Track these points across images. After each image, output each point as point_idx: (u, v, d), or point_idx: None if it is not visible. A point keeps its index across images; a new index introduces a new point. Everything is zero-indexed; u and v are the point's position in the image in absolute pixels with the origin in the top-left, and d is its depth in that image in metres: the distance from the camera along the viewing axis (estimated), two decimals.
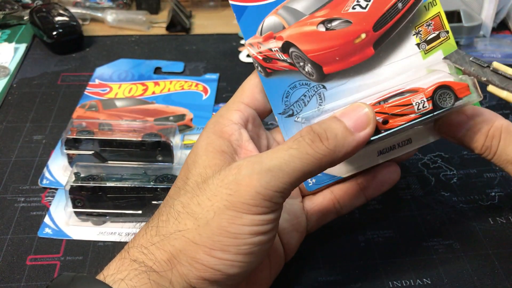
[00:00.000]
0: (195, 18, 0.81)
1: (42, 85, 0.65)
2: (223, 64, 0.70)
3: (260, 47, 0.38)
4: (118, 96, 0.63)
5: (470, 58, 0.38)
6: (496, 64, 0.37)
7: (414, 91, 0.36)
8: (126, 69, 0.68)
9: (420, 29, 0.38)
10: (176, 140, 0.53)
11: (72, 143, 0.50)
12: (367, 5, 0.38)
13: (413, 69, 0.38)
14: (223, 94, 0.64)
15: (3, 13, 0.76)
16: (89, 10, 0.79)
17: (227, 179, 0.31)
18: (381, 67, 0.38)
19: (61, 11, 0.73)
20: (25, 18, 0.77)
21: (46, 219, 0.47)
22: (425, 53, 0.39)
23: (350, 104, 0.34)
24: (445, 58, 0.38)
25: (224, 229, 0.30)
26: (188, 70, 0.69)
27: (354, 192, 0.41)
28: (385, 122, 0.35)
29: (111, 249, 0.44)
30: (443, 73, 0.37)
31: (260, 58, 0.38)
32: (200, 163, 0.34)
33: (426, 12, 0.38)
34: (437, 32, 0.38)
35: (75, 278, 0.30)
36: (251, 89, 0.38)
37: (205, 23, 0.80)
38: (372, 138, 0.34)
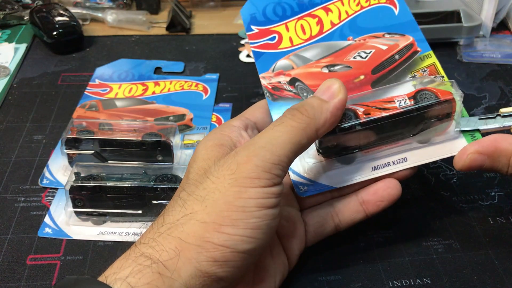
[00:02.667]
0: (195, 18, 0.81)
1: (42, 85, 0.65)
2: (223, 64, 0.70)
3: (271, 80, 0.45)
4: (118, 96, 0.63)
5: (478, 118, 0.40)
6: (503, 110, 0.40)
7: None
8: (126, 69, 0.68)
9: (416, 73, 0.43)
10: (176, 140, 0.53)
11: (72, 143, 0.50)
12: (367, 56, 0.44)
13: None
14: (223, 94, 0.64)
15: (3, 13, 0.76)
16: (89, 10, 0.79)
17: (227, 163, 0.33)
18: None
19: (61, 11, 0.73)
20: (25, 18, 0.77)
21: (46, 219, 0.47)
22: None
23: (322, 82, 0.38)
24: (456, 129, 0.41)
25: (231, 204, 0.32)
26: (188, 70, 0.69)
27: (354, 206, 0.41)
28: (367, 114, 0.39)
29: (111, 249, 0.44)
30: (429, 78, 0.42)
31: (270, 87, 0.45)
32: (199, 157, 0.36)
33: (422, 61, 0.44)
34: (432, 77, 0.43)
35: (78, 281, 0.30)
36: (252, 109, 0.43)
37: (205, 23, 0.80)
38: (352, 123, 0.38)
